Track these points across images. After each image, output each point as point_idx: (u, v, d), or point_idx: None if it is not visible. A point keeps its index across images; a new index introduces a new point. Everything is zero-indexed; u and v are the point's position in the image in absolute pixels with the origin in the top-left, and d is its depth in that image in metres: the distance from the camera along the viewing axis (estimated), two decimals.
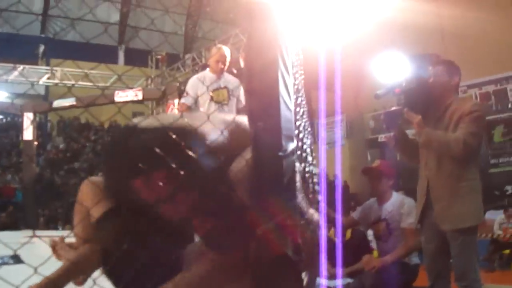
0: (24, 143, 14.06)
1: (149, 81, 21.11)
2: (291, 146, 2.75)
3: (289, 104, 2.77)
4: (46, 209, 19.41)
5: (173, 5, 27.93)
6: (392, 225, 5.35)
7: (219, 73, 6.79)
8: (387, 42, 13.80)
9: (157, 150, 2.56)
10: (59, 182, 22.15)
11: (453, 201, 4.15)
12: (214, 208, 2.83)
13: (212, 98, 6.71)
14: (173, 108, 12.87)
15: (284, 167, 2.69)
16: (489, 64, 16.11)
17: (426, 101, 4.44)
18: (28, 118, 13.33)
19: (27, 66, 19.63)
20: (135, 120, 2.94)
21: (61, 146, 25.47)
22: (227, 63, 6.86)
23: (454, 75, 4.44)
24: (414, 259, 5.40)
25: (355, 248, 5.55)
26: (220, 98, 6.71)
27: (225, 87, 6.71)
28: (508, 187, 16.36)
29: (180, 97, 12.77)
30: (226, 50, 6.87)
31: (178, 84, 13.74)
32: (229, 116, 3.12)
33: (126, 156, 2.75)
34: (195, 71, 18.07)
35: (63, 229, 15.36)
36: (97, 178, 3.11)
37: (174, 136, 2.60)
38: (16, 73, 19.03)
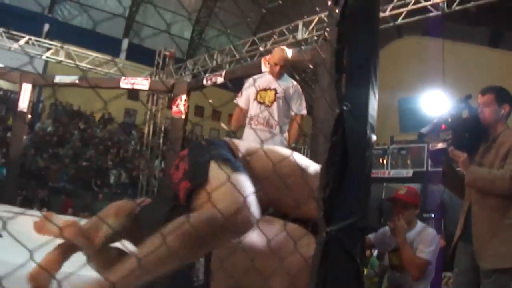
0: (17, 114, 13.57)
1: (153, 76, 20.74)
2: (373, 138, 2.39)
3: (376, 91, 2.42)
4: (24, 189, 18.98)
5: (183, 8, 28.45)
6: None
7: (275, 75, 6.49)
8: None
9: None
10: (41, 165, 21.71)
11: (494, 238, 3.91)
12: None
13: (256, 97, 6.43)
14: (179, 104, 12.56)
15: (365, 158, 2.33)
16: None
17: (474, 134, 4.27)
18: (26, 89, 12.92)
19: (33, 38, 19.12)
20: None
21: (49, 129, 24.97)
22: (285, 65, 6.56)
23: (504, 103, 4.20)
24: None
25: None
26: (263, 99, 6.41)
27: (274, 90, 6.40)
28: None
29: (188, 94, 12.56)
30: (286, 52, 6.58)
31: (188, 81, 13.43)
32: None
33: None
34: (196, 75, 17.95)
35: (39, 211, 14.91)
36: None
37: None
38: (20, 43, 18.53)
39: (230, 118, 6.78)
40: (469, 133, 4.22)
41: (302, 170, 2.99)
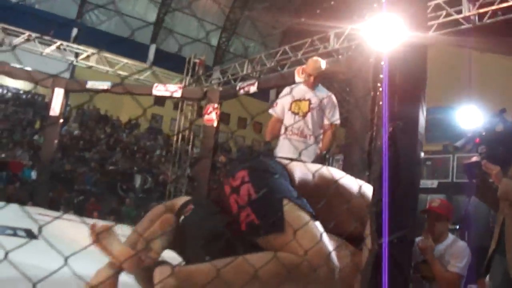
0: (49, 119, 13.73)
1: (184, 84, 20.72)
2: (422, 154, 2.47)
3: (424, 109, 2.50)
4: (51, 191, 19.12)
5: (210, 14, 28.62)
6: (443, 267, 5.06)
7: (310, 85, 6.54)
8: None
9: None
10: (68, 168, 21.86)
11: None
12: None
13: (290, 108, 6.49)
14: (211, 112, 12.64)
15: (415, 174, 2.42)
16: None
17: (509, 148, 4.29)
18: (58, 93, 13.07)
19: (64, 43, 19.24)
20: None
21: (76, 132, 25.16)
22: (319, 76, 6.61)
23: None
24: None
25: None
26: (297, 110, 6.47)
27: (308, 100, 6.47)
28: None
29: (221, 102, 12.63)
30: (320, 63, 6.62)
31: (221, 89, 13.49)
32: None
33: None
34: (227, 83, 18.00)
35: (65, 213, 15.05)
36: None
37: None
38: (52, 48, 18.66)
39: (256, 126, 6.84)
40: (503, 147, 4.26)
41: (347, 191, 3.10)
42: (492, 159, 4.17)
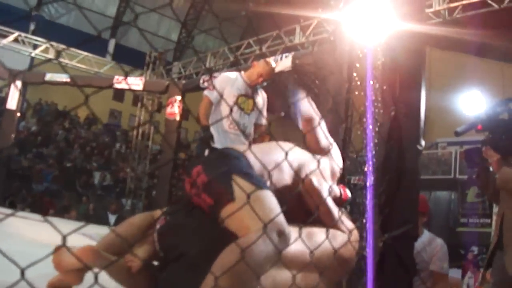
0: (6, 112, 13.35)
1: (145, 77, 20.50)
2: (423, 143, 2.29)
3: (423, 95, 2.33)
4: (7, 188, 18.67)
5: (171, 10, 28.34)
6: (418, 265, 4.96)
7: (254, 84, 6.48)
8: None
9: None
10: (25, 165, 21.39)
11: None
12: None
13: (237, 101, 6.38)
14: (174, 105, 12.41)
15: (417, 164, 2.24)
16: None
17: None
18: (15, 86, 12.70)
19: (23, 34, 18.88)
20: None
21: (33, 128, 24.62)
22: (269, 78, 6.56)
23: None
24: None
25: None
26: (244, 106, 6.43)
27: (252, 98, 6.47)
28: (474, 248, 16.48)
29: (183, 95, 12.40)
30: (272, 65, 6.58)
31: (183, 82, 13.29)
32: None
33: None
34: (186, 78, 17.79)
35: (22, 211, 14.67)
36: None
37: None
38: (9, 39, 18.26)
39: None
40: (506, 135, 4.17)
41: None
42: (494, 146, 4.11)
